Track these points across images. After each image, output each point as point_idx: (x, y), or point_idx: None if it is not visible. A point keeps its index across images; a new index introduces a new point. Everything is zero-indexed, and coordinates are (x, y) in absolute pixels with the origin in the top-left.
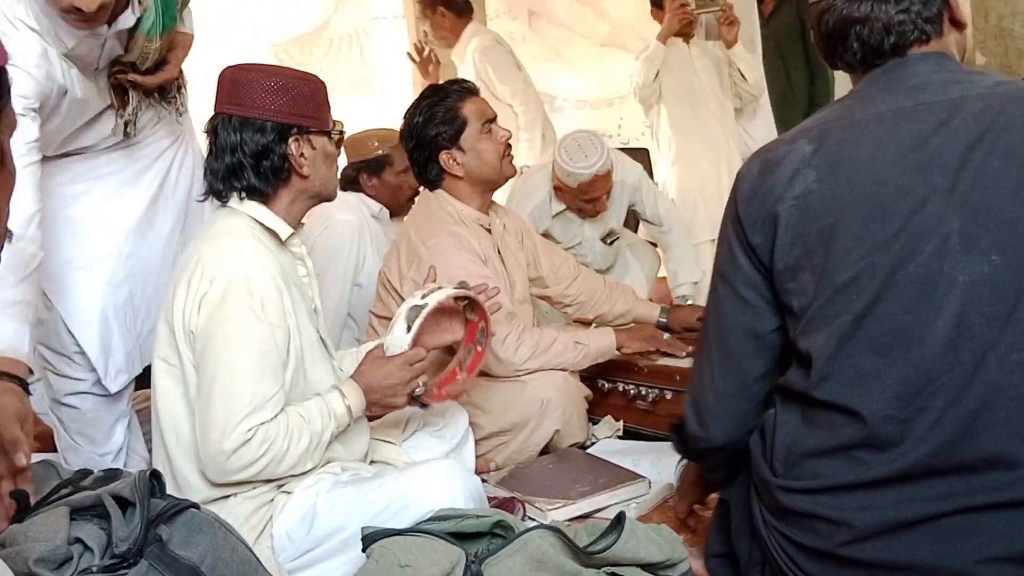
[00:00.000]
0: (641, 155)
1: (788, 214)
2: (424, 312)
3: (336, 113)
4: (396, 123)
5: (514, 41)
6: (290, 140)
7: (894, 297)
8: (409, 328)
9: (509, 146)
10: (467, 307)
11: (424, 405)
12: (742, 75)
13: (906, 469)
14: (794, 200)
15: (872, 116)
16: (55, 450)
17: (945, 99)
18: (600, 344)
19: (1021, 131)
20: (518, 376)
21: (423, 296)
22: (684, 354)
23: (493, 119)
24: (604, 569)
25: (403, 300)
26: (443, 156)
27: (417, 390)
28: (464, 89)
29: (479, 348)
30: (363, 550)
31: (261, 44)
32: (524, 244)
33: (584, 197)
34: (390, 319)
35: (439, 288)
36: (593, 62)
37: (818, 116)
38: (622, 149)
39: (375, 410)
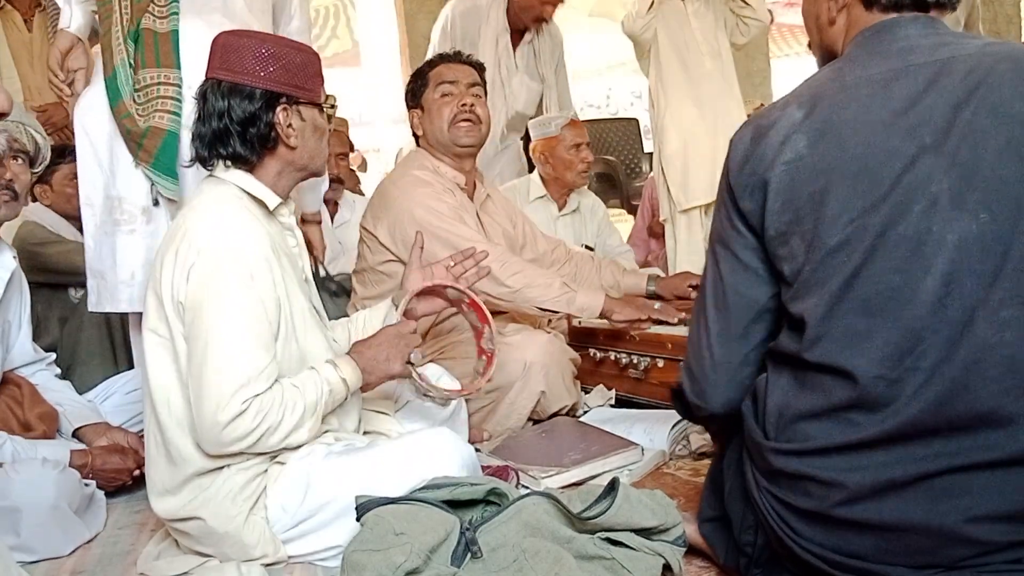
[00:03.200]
0: (631, 124)
1: (778, 180)
2: (407, 296)
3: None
4: (382, 95)
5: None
6: (278, 109)
7: (884, 258)
8: (397, 308)
9: (471, 115)
10: (472, 314)
11: (443, 404)
12: (746, 1)
13: (897, 428)
14: (784, 166)
15: (862, 79)
16: (59, 431)
17: (934, 60)
18: (587, 298)
19: (1010, 89)
20: (503, 337)
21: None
22: (676, 320)
23: (454, 82)
24: (598, 535)
25: (378, 243)
26: (410, 113)
27: (412, 356)
28: (444, 56)
29: (490, 352)
30: (357, 519)
31: None
32: (517, 226)
33: (575, 143)
34: (366, 271)
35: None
36: (581, 32)
37: (810, 81)
38: (611, 119)
39: (372, 380)
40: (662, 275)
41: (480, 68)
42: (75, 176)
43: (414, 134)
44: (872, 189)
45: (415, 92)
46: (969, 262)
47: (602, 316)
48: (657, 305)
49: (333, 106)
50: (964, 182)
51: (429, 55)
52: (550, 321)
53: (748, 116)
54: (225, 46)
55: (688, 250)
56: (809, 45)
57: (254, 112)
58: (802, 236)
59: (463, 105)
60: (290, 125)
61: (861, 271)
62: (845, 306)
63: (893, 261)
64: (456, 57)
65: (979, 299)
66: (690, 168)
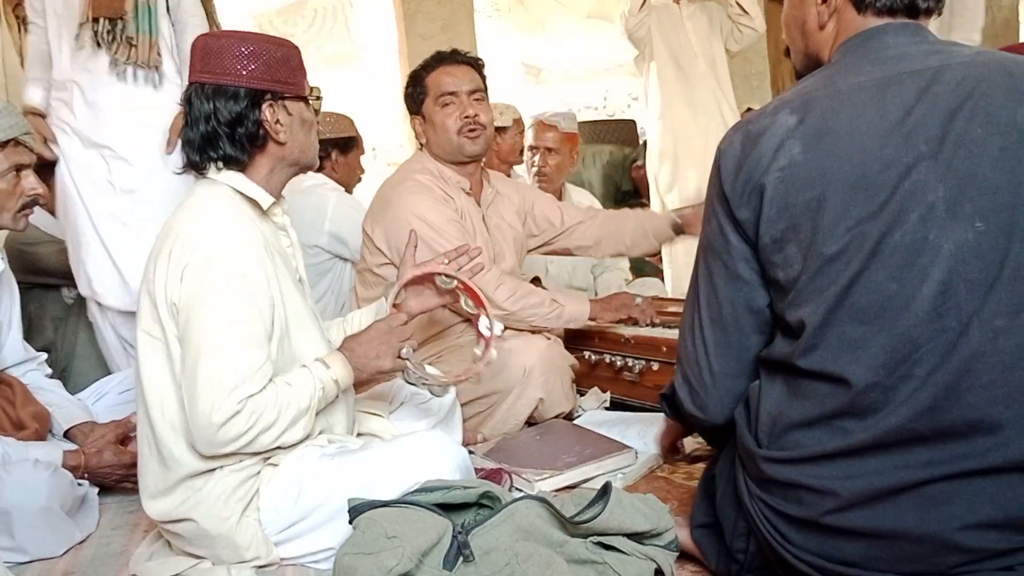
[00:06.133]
0: (628, 126)
1: (774, 187)
2: (396, 285)
3: (321, 84)
4: (382, 94)
5: (500, 12)
6: (264, 106)
7: (881, 266)
8: (387, 299)
9: (476, 125)
10: (467, 300)
11: (437, 394)
12: (742, 8)
13: (888, 433)
14: (779, 172)
15: (854, 86)
16: (51, 431)
17: (925, 68)
18: (575, 308)
19: (1002, 98)
20: (501, 342)
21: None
22: (649, 323)
23: (454, 92)
24: (591, 538)
25: (375, 246)
26: (412, 119)
27: (403, 351)
28: (441, 57)
29: (487, 337)
30: (350, 522)
31: (244, 15)
32: (531, 216)
33: (531, 145)
34: (366, 271)
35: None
36: (578, 34)
37: (799, 88)
38: (608, 121)
39: (364, 377)
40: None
41: (479, 66)
42: None
43: (418, 140)
44: (870, 198)
45: (414, 99)
46: (965, 271)
47: (589, 320)
48: (639, 300)
49: (318, 97)
50: (959, 191)
51: None
52: None
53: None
54: (204, 49)
55: (684, 249)
56: (786, 53)
57: (240, 112)
58: (798, 244)
59: (466, 117)
60: (278, 121)
61: (858, 279)
62: (841, 314)
63: (889, 269)
64: (453, 57)
65: (975, 308)
66: (680, 168)
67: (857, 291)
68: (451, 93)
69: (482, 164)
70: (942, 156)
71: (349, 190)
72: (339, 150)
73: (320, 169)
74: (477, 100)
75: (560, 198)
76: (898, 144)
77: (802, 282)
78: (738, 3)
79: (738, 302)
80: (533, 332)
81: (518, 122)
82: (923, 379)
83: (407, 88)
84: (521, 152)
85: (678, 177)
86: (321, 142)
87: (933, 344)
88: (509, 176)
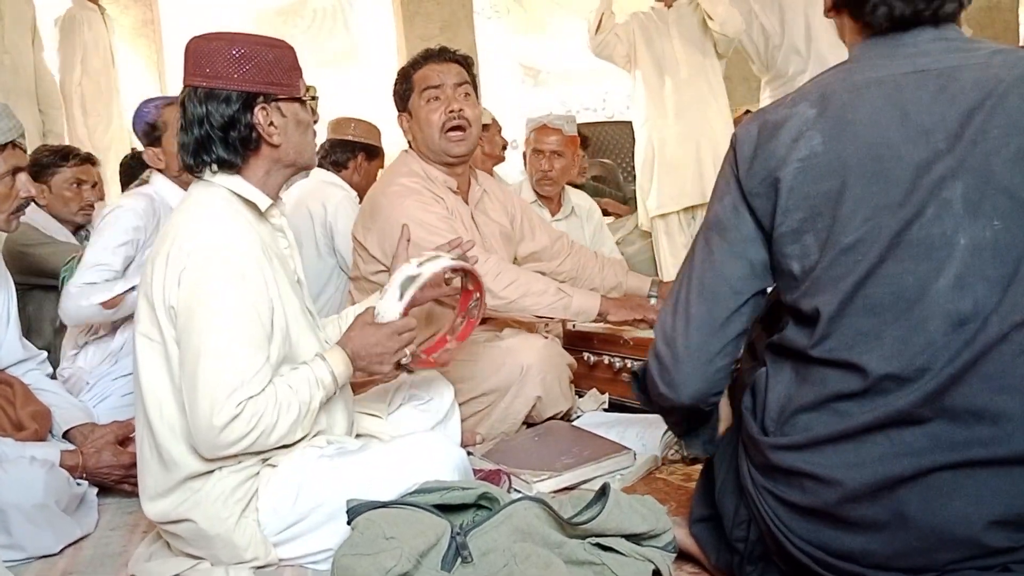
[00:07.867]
0: (627, 127)
1: (793, 177)
2: (418, 282)
3: (320, 85)
4: (381, 95)
5: (499, 13)
6: (256, 109)
7: (897, 259)
8: (402, 296)
9: (461, 120)
10: (464, 277)
11: (410, 371)
12: (707, 15)
13: (892, 417)
14: (799, 163)
15: (872, 80)
16: (51, 431)
17: (944, 66)
18: (583, 302)
19: (1017, 100)
20: (500, 340)
21: (419, 264)
22: None
23: (439, 86)
24: (588, 539)
25: (369, 254)
26: (399, 117)
27: (404, 359)
28: (428, 55)
29: (472, 318)
30: (348, 522)
31: (244, 16)
32: (515, 220)
33: (534, 148)
34: (360, 279)
35: (436, 257)
36: (578, 35)
37: (817, 80)
38: (607, 122)
39: (360, 376)
40: (665, 280)
41: (467, 64)
42: (76, 181)
43: (405, 137)
44: (888, 190)
45: (402, 96)
46: (982, 267)
47: (598, 317)
48: (653, 301)
49: (314, 97)
50: (977, 189)
51: None
52: (547, 325)
53: (739, 119)
54: (196, 52)
55: (670, 252)
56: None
57: (233, 115)
58: (816, 234)
59: (451, 111)
60: (271, 123)
61: (875, 271)
62: (856, 304)
63: (906, 262)
64: (441, 55)
65: (992, 304)
66: (660, 175)
67: (873, 283)
68: (436, 86)
69: (470, 164)
70: (960, 154)
71: (362, 197)
72: (366, 155)
73: (344, 168)
74: (464, 94)
75: (560, 200)
76: (916, 140)
77: (818, 271)
78: (705, 12)
79: (732, 281)
80: (531, 331)
81: (495, 121)
82: (938, 371)
83: (395, 85)
84: (503, 149)
85: (657, 183)
86: (351, 144)
87: (950, 339)
88: (492, 172)
